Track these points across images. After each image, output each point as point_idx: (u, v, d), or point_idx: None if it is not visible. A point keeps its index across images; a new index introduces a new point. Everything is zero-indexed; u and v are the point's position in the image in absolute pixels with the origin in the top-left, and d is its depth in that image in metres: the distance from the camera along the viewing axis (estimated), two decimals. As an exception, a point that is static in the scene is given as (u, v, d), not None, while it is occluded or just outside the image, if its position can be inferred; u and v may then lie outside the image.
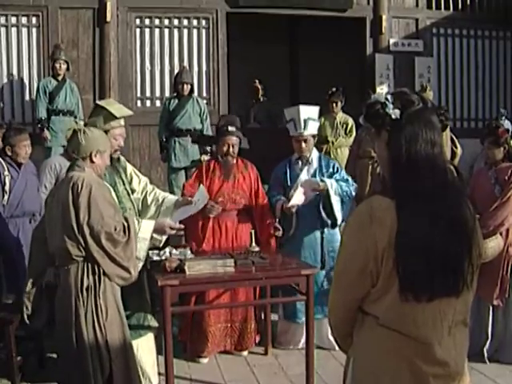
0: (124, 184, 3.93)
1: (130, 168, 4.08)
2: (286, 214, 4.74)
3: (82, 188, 3.18)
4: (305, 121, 4.72)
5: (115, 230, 3.25)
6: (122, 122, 3.84)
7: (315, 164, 4.88)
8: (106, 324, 3.24)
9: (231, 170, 4.73)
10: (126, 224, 3.34)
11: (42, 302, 3.40)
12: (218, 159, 4.74)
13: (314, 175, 4.83)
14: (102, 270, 3.24)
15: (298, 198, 4.65)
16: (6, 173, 4.63)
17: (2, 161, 4.66)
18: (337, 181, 4.76)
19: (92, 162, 3.35)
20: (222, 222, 4.67)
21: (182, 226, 3.99)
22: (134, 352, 3.50)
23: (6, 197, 4.62)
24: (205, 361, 4.62)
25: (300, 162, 4.87)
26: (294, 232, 4.79)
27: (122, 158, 4.07)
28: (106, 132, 3.68)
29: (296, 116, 4.75)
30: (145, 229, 3.58)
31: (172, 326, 3.79)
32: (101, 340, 3.22)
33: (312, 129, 4.80)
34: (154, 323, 3.98)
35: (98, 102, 3.99)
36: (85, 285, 3.21)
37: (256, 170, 4.90)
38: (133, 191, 3.99)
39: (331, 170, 4.86)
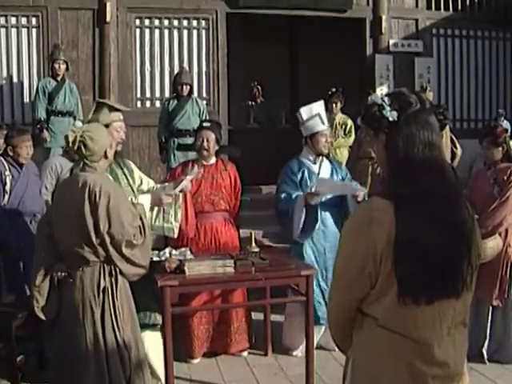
0: (128, 179, 3.95)
1: (137, 172, 4.12)
2: (309, 209, 4.57)
3: (100, 197, 3.17)
4: (318, 117, 4.73)
5: (134, 236, 3.28)
6: (121, 116, 3.92)
7: (328, 163, 4.86)
8: (123, 325, 3.25)
9: (209, 170, 4.70)
10: (141, 224, 3.37)
11: (53, 296, 3.41)
12: (197, 159, 4.74)
13: (331, 175, 4.81)
14: (118, 271, 3.26)
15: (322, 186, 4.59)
16: (8, 173, 4.65)
17: (4, 161, 4.68)
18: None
19: (106, 157, 3.37)
20: (201, 225, 4.61)
21: (177, 192, 3.98)
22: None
23: (6, 197, 4.63)
24: (195, 361, 4.61)
25: (317, 160, 4.80)
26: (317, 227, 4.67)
27: (128, 161, 4.14)
28: (108, 126, 3.73)
29: (321, 110, 4.75)
30: (142, 204, 3.65)
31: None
32: (120, 341, 3.24)
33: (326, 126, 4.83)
34: (160, 321, 4.00)
35: (97, 99, 4.05)
36: (101, 286, 3.22)
37: (235, 170, 4.87)
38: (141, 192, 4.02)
39: (343, 171, 4.87)
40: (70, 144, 3.29)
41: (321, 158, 4.82)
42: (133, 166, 4.14)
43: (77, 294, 3.25)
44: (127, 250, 3.25)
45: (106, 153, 3.35)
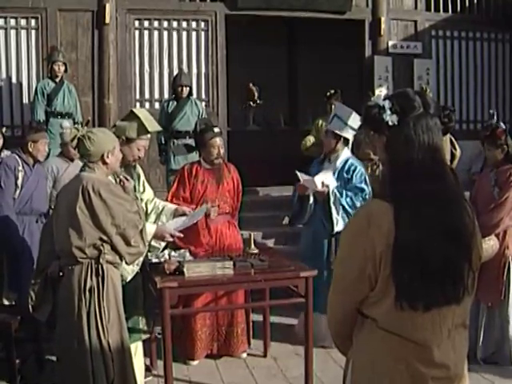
0: (135, 190, 3.93)
1: (142, 177, 4.10)
2: (304, 198, 4.82)
3: (92, 194, 3.20)
4: (333, 116, 4.87)
5: (137, 221, 3.33)
6: (149, 135, 3.88)
7: (338, 164, 4.87)
8: (108, 326, 3.24)
9: (215, 175, 4.68)
10: (137, 208, 3.41)
11: (46, 292, 3.41)
12: (201, 163, 4.69)
13: (334, 175, 4.83)
14: (105, 272, 3.25)
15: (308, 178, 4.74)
16: (20, 168, 4.78)
17: (18, 158, 4.80)
18: (347, 190, 4.74)
19: (105, 163, 3.36)
20: (205, 228, 4.58)
21: (182, 235, 3.97)
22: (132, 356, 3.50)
23: (17, 191, 4.71)
24: (194, 363, 4.60)
25: (324, 160, 4.97)
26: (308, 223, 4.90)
27: (138, 166, 4.09)
28: (132, 140, 3.73)
29: (333, 112, 4.93)
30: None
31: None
32: (104, 342, 3.22)
33: (337, 126, 4.85)
34: (145, 327, 3.97)
35: (133, 109, 3.99)
36: (88, 286, 3.22)
37: (237, 173, 4.87)
38: (141, 200, 3.99)
39: (345, 174, 4.84)
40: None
41: (328, 157, 4.94)
42: (140, 171, 4.11)
43: (65, 293, 3.26)
44: (133, 237, 3.29)
45: (102, 157, 3.34)
